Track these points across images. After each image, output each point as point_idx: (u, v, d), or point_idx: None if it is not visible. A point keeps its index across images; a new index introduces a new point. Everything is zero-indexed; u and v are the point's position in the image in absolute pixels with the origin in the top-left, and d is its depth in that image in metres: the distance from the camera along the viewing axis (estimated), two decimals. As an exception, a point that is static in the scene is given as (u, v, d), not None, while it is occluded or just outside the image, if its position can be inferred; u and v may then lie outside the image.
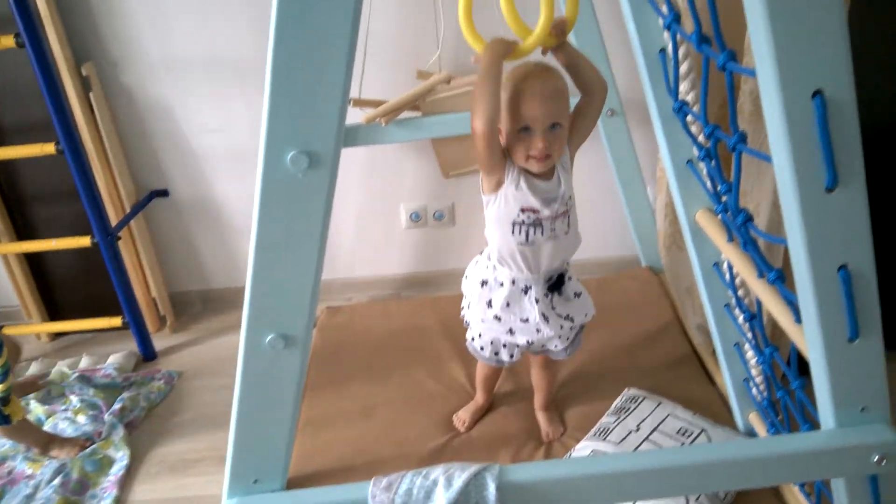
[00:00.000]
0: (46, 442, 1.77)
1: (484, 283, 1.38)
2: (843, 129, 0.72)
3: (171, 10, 1.97)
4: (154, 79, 2.08)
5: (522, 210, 1.24)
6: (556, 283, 1.35)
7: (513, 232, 1.27)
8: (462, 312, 1.49)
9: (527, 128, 1.17)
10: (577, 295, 1.40)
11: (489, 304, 1.38)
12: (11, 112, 2.04)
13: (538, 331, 1.37)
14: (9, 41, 1.76)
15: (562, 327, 1.39)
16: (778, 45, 0.67)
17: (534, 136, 1.17)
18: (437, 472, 1.02)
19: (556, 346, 1.44)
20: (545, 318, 1.36)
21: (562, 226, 1.28)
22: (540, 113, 1.15)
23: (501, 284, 1.35)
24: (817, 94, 0.70)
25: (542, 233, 1.26)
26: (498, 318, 1.38)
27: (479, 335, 1.45)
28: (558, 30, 1.12)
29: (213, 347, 2.23)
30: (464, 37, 1.18)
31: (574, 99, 1.23)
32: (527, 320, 1.36)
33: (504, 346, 1.44)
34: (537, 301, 1.34)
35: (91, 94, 2.01)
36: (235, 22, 1.99)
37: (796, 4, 0.66)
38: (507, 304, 1.36)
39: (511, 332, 1.39)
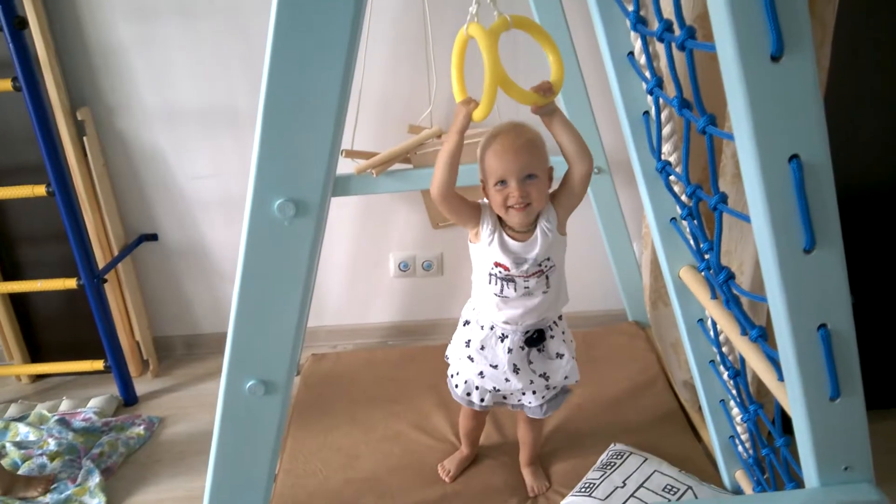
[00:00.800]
0: (10, 483, 1.72)
1: (466, 322, 1.41)
2: (820, 191, 0.73)
3: (168, 58, 2.01)
4: (148, 125, 2.10)
5: (495, 264, 1.28)
6: (535, 339, 1.35)
7: (489, 282, 1.30)
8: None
9: (504, 181, 1.21)
10: (560, 356, 1.39)
11: (467, 343, 1.40)
12: (4, 153, 2.05)
13: (507, 380, 1.39)
14: (6, 84, 1.78)
15: (532, 382, 1.40)
16: (755, 111, 0.69)
17: (510, 188, 1.21)
18: (418, 526, 1.01)
19: (529, 402, 1.44)
20: (515, 369, 1.37)
21: (538, 285, 1.29)
22: (514, 166, 1.20)
23: (482, 327, 1.37)
24: (794, 158, 0.71)
25: (515, 289, 1.29)
26: (471, 359, 1.40)
27: (458, 373, 1.47)
28: (542, 89, 1.16)
29: (196, 393, 2.20)
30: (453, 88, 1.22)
31: (559, 162, 1.26)
32: (496, 367, 1.38)
33: (476, 388, 1.45)
34: (510, 351, 1.35)
35: (85, 138, 2.02)
36: (230, 71, 2.03)
37: (772, 72, 0.68)
38: (482, 348, 1.37)
39: (481, 375, 1.41)
